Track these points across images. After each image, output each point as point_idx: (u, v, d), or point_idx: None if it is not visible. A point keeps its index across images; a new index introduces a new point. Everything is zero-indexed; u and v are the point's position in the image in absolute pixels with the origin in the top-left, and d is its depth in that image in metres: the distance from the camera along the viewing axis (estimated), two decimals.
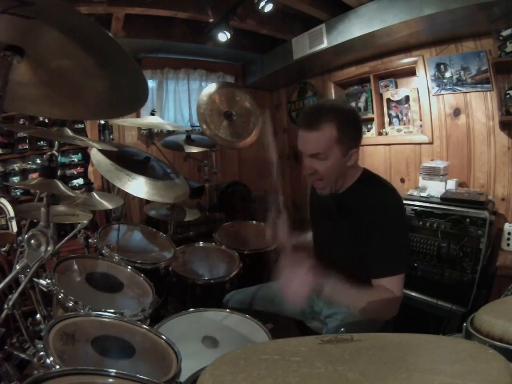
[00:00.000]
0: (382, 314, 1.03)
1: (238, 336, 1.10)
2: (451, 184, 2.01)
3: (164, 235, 1.78)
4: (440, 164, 2.07)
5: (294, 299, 0.92)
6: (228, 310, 1.24)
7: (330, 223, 1.21)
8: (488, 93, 1.99)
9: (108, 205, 1.51)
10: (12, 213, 2.02)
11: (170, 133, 2.87)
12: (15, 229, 1.95)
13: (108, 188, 2.46)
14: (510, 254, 1.75)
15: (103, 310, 0.99)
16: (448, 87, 2.17)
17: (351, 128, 1.07)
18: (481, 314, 0.55)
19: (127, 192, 1.48)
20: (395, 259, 1.03)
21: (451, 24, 1.88)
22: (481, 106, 2.04)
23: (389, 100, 2.58)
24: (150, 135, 2.54)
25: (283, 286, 0.95)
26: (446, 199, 1.84)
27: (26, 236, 0.90)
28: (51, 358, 0.69)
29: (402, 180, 2.52)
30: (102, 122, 2.67)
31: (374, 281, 1.04)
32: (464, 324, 0.56)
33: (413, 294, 1.87)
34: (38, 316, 1.17)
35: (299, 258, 0.97)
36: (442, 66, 2.17)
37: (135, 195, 1.48)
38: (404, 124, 2.52)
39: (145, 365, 0.84)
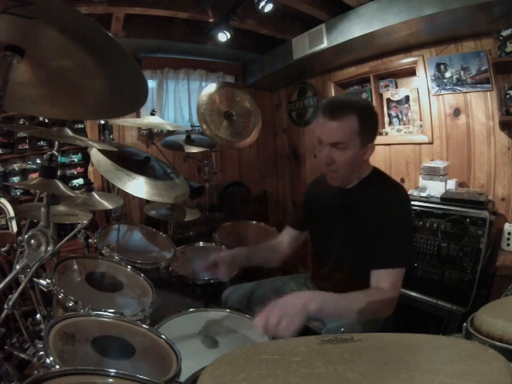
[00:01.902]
0: (377, 315, 1.04)
1: (238, 336, 1.10)
2: (451, 184, 2.01)
3: (164, 235, 1.78)
4: (440, 163, 2.07)
5: (282, 330, 0.82)
6: (227, 310, 1.24)
7: (334, 218, 1.22)
8: (488, 93, 1.99)
9: (108, 205, 1.51)
10: (11, 213, 2.02)
11: (170, 133, 2.87)
12: (15, 229, 1.95)
13: (108, 188, 2.46)
14: (510, 254, 1.74)
15: (103, 310, 0.99)
16: (448, 87, 2.16)
17: (370, 122, 1.12)
18: (481, 314, 0.55)
19: (127, 192, 1.48)
20: (397, 252, 1.04)
21: (451, 24, 1.88)
22: (481, 106, 2.04)
23: (389, 100, 2.58)
24: (150, 135, 2.54)
25: (263, 326, 0.84)
26: (446, 199, 1.84)
27: (26, 236, 0.90)
28: (51, 358, 0.69)
29: (402, 180, 2.52)
30: (102, 122, 2.67)
31: (372, 272, 1.04)
32: (464, 324, 0.56)
33: (413, 294, 1.87)
34: (38, 316, 1.17)
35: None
36: (442, 66, 2.17)
37: (135, 195, 1.48)
38: (404, 124, 2.52)
39: (145, 365, 0.84)
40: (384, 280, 1.01)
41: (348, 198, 1.19)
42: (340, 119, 1.06)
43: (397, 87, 2.57)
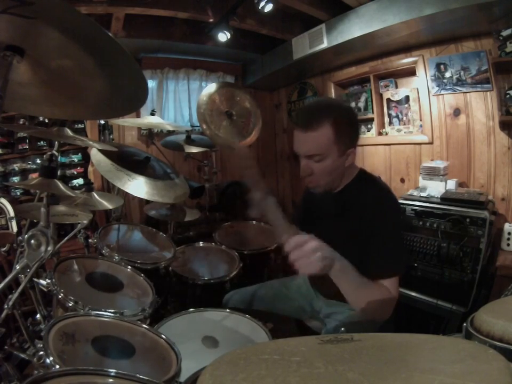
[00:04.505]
0: (380, 313, 1.02)
1: (238, 336, 1.10)
2: (451, 184, 2.01)
3: (164, 235, 1.78)
4: (440, 163, 2.07)
5: (307, 264, 0.82)
6: (228, 310, 1.24)
7: (325, 223, 1.21)
8: (488, 93, 1.99)
9: (108, 205, 1.51)
10: (12, 213, 2.02)
11: (170, 133, 2.87)
12: (15, 229, 1.95)
13: (108, 188, 2.46)
14: (510, 254, 1.75)
15: (103, 310, 0.99)
16: (448, 87, 2.17)
17: (348, 127, 1.05)
18: (481, 314, 0.55)
19: (127, 192, 1.48)
20: (394, 260, 1.02)
21: (451, 24, 1.88)
22: (481, 106, 2.04)
23: (389, 100, 2.58)
24: (150, 135, 2.54)
25: (293, 248, 0.83)
26: (446, 199, 1.84)
27: (26, 236, 0.90)
28: (51, 358, 0.69)
29: (402, 180, 2.52)
30: (102, 122, 2.67)
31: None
32: (464, 324, 0.56)
33: (413, 294, 1.87)
34: (38, 315, 1.17)
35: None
36: (442, 66, 2.17)
37: (135, 195, 1.47)
38: (404, 124, 2.52)
39: (145, 365, 0.84)
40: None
41: (335, 203, 1.16)
42: (312, 130, 0.99)
43: (397, 87, 2.58)
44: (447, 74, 2.15)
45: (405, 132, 2.50)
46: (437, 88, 2.22)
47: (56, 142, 1.22)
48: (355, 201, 1.09)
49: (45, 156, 1.00)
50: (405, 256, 1.12)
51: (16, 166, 2.70)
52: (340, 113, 1.04)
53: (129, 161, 1.59)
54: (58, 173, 1.04)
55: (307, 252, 0.82)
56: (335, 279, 0.89)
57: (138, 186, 1.48)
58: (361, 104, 2.75)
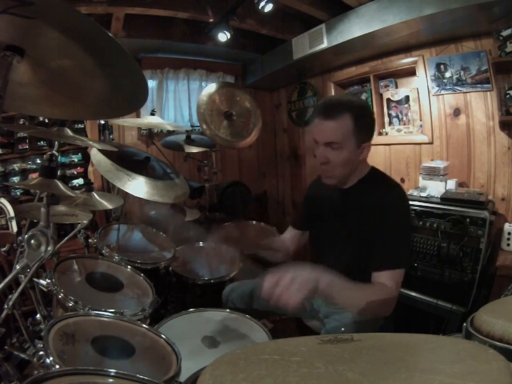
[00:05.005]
0: (379, 312, 1.03)
1: (238, 336, 1.10)
2: (451, 184, 2.01)
3: (164, 235, 1.78)
4: (440, 163, 2.07)
5: (289, 296, 0.78)
6: (227, 310, 1.24)
7: (333, 219, 1.22)
8: (488, 93, 1.99)
9: (108, 205, 1.51)
10: (12, 213, 2.02)
11: (170, 133, 2.87)
12: (15, 229, 1.95)
13: (108, 188, 2.46)
14: (510, 254, 1.74)
15: (103, 310, 0.99)
16: (448, 87, 2.16)
17: (366, 121, 1.12)
18: (481, 314, 0.55)
19: (127, 192, 1.48)
20: (397, 254, 1.04)
21: (451, 24, 1.88)
22: (481, 106, 2.04)
23: (389, 100, 2.58)
24: (150, 135, 2.54)
25: (270, 289, 0.79)
26: (446, 199, 1.84)
27: (26, 236, 0.90)
28: (51, 358, 0.69)
29: (402, 180, 2.52)
30: (102, 122, 2.67)
31: (374, 274, 1.04)
32: (464, 324, 0.56)
33: (413, 294, 1.87)
34: (38, 316, 1.17)
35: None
36: (442, 66, 2.17)
37: (135, 195, 1.48)
38: (404, 124, 2.52)
39: (145, 365, 0.84)
40: (387, 281, 1.01)
41: (346, 198, 1.19)
42: (333, 118, 1.06)
43: (397, 87, 2.57)
44: (447, 74, 2.15)
45: (405, 132, 2.50)
46: (437, 88, 2.22)
47: (56, 142, 1.22)
48: (366, 198, 1.12)
49: (45, 156, 1.00)
50: (408, 252, 1.14)
51: (16, 166, 2.70)
52: (360, 107, 1.11)
53: (129, 161, 1.59)
54: (58, 173, 1.04)
55: (284, 285, 0.78)
56: (326, 295, 0.86)
57: (138, 186, 1.48)
58: None
